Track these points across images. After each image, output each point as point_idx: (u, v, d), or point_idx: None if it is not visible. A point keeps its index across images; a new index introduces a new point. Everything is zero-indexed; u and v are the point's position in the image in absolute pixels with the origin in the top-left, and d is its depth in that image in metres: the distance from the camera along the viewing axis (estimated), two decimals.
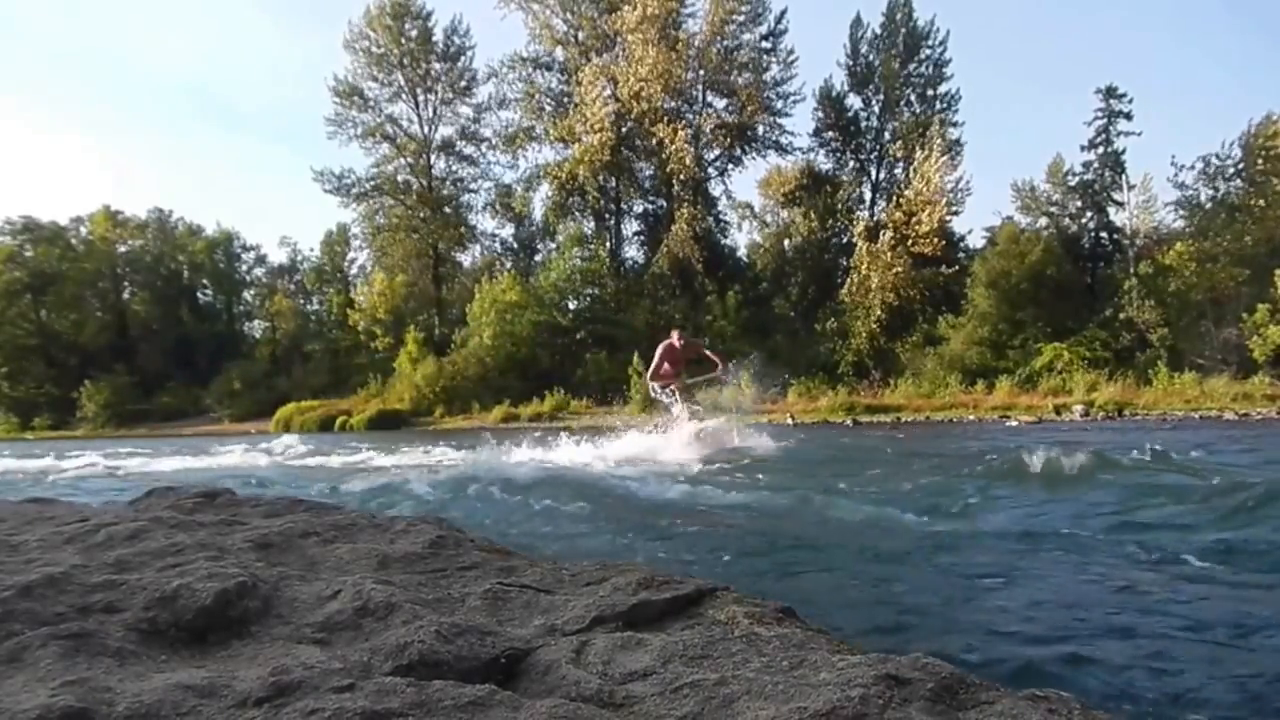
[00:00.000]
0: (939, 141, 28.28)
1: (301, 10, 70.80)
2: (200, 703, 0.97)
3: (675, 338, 9.87)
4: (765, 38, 31.86)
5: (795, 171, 33.73)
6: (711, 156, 33.40)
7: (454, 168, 37.55)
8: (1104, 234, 30.05)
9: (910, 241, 27.50)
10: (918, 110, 31.07)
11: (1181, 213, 27.61)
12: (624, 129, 32.42)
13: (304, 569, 1.74)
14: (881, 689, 0.95)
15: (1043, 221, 30.74)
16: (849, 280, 29.07)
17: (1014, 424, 17.66)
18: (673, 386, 9.58)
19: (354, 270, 44.12)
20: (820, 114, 32.84)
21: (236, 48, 68.97)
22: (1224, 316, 23.54)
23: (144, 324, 43.99)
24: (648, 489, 5.32)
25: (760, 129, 32.70)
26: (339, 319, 39.67)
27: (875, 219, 30.05)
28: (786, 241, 34.61)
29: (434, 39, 35.19)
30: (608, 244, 33.70)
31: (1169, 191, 28.22)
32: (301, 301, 45.49)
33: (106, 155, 70.48)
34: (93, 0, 64.65)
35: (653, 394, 9.91)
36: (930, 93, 31.18)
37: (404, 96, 35.68)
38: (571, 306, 32.30)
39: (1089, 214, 29.92)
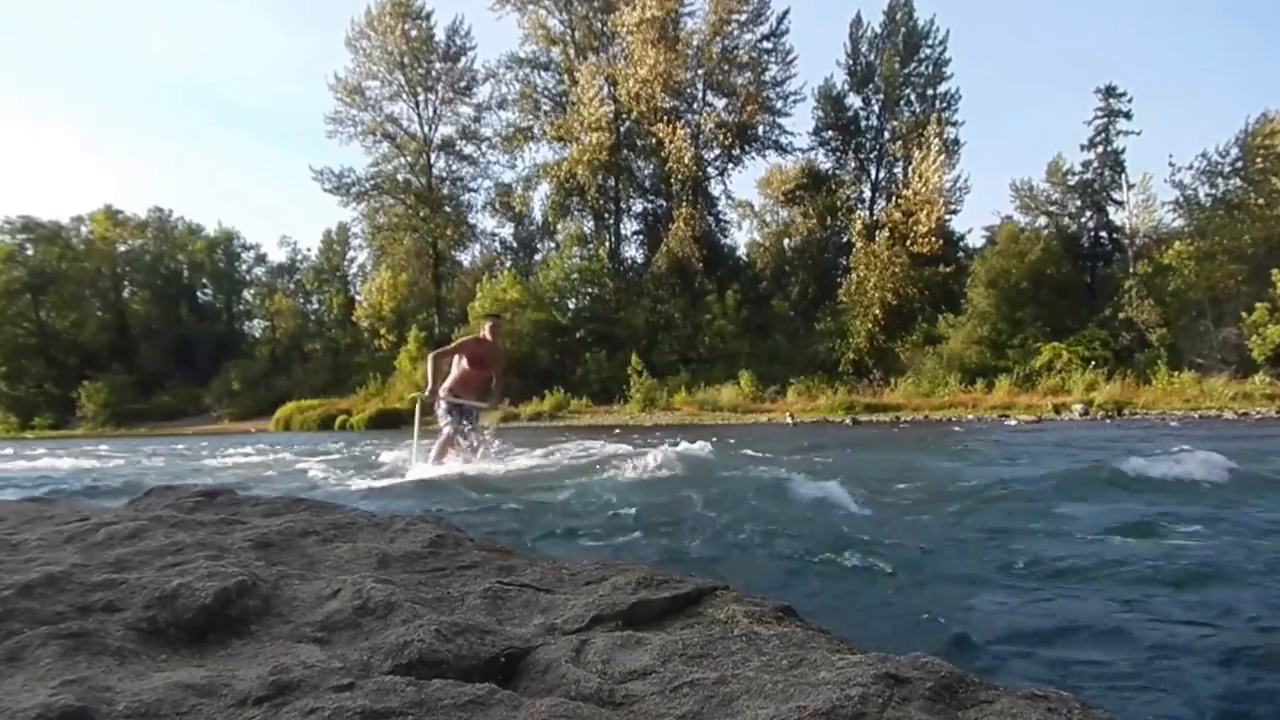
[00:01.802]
0: (936, 141, 28.30)
1: (303, 10, 70.88)
2: (200, 702, 0.97)
3: (488, 330, 7.18)
4: (766, 38, 31.93)
5: (795, 171, 33.79)
6: (711, 156, 33.47)
7: (454, 167, 37.72)
8: (1103, 233, 30.13)
9: (909, 241, 27.53)
10: (917, 110, 31.11)
11: (1180, 212, 27.67)
12: (623, 128, 32.44)
13: (304, 568, 1.74)
14: (881, 688, 0.95)
15: (1042, 221, 30.84)
16: (848, 279, 29.11)
17: (1013, 423, 17.66)
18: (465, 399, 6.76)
19: (353, 270, 44.25)
20: (820, 113, 32.94)
21: (238, 47, 69.10)
22: (1223, 316, 23.56)
23: (144, 323, 44.03)
24: (647, 489, 5.33)
25: (760, 128, 32.79)
26: (339, 318, 39.71)
27: (874, 218, 30.08)
28: (786, 241, 34.66)
29: (435, 39, 35.25)
30: (607, 243, 33.73)
31: (1168, 191, 28.34)
32: (301, 301, 45.55)
33: (107, 154, 70.63)
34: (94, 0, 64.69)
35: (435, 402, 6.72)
36: (930, 92, 31.23)
37: (404, 96, 35.82)
38: (571, 306, 32.34)
39: (1088, 213, 29.99)
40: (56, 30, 63.09)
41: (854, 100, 32.65)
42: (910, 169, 28.68)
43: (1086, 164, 29.40)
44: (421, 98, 35.87)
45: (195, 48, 69.03)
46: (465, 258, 39.44)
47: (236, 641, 1.27)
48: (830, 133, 32.98)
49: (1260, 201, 25.26)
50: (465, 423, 6.69)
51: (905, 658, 1.05)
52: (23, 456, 12.43)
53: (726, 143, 32.58)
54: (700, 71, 32.07)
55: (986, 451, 8.82)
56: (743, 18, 31.27)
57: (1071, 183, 30.02)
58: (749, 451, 8.84)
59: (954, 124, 30.74)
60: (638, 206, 35.16)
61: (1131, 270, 27.08)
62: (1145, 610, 2.32)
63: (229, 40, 69.00)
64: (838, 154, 33.38)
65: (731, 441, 11.27)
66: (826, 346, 28.46)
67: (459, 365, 6.76)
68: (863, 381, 25.39)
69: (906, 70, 30.91)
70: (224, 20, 69.28)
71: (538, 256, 37.10)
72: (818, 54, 71.93)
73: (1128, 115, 28.42)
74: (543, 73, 35.16)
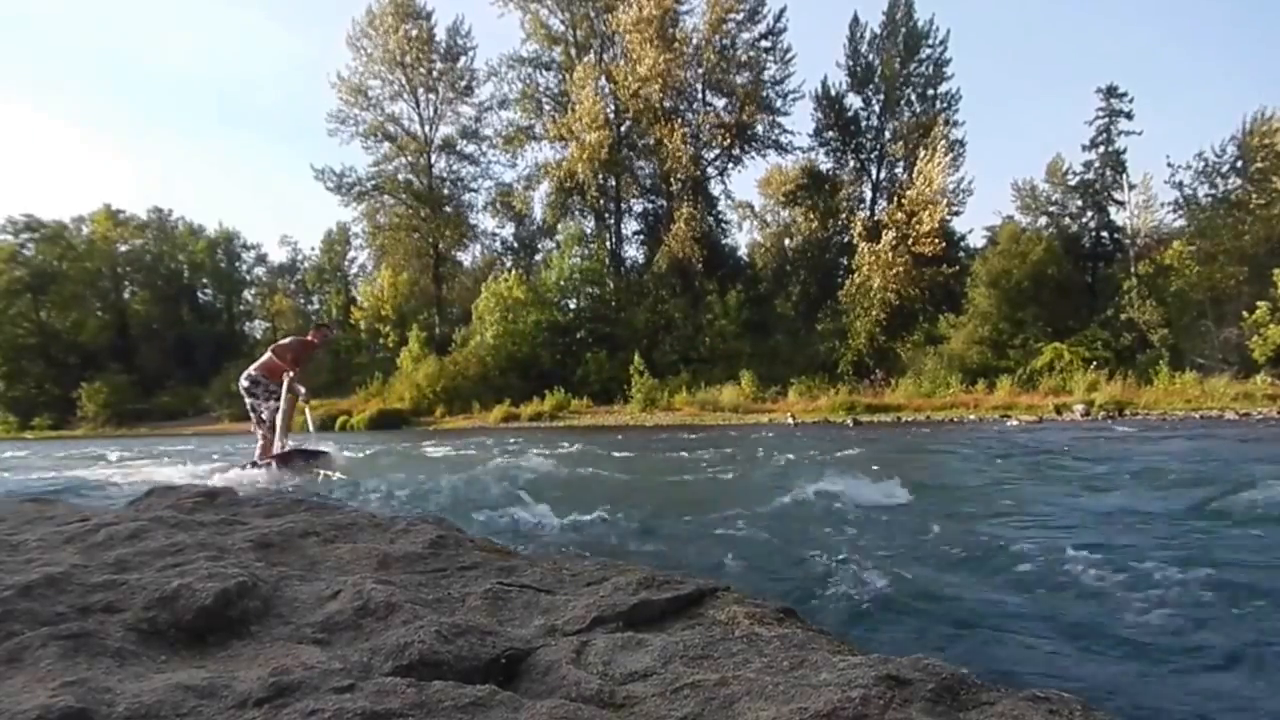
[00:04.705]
0: (942, 142, 28.27)
1: (306, 9, 70.89)
2: (200, 703, 0.97)
3: (314, 335, 7.83)
4: (764, 36, 31.89)
5: (795, 171, 33.79)
6: (711, 156, 33.44)
7: (454, 166, 37.72)
8: (1104, 233, 30.10)
9: (911, 241, 27.52)
10: (918, 110, 31.07)
11: (1180, 212, 27.66)
12: (623, 128, 32.45)
13: (304, 569, 1.74)
14: (882, 689, 0.94)
15: (1043, 221, 30.81)
16: (850, 280, 29.09)
17: (1014, 423, 17.65)
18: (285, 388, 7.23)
19: (354, 270, 44.29)
20: (820, 114, 32.88)
21: (241, 46, 69.08)
22: (1224, 316, 23.53)
23: (144, 323, 44.03)
24: (648, 489, 5.33)
25: (759, 128, 32.74)
26: (339, 318, 39.74)
27: (875, 218, 30.07)
28: (787, 241, 34.66)
29: (436, 39, 35.28)
30: (608, 243, 33.74)
31: (1169, 191, 28.25)
32: (302, 301, 45.58)
33: (109, 153, 70.70)
34: None
35: (252, 388, 7.30)
36: (930, 92, 31.18)
37: (405, 95, 35.82)
38: (571, 306, 32.35)
39: (1089, 213, 29.97)
40: (59, 29, 63.19)
41: (854, 100, 32.63)
42: (915, 170, 28.62)
43: (1087, 164, 29.38)
44: (422, 97, 35.89)
45: (198, 47, 69.05)
46: (466, 257, 39.52)
47: (236, 642, 1.27)
48: (830, 133, 32.93)
49: (1260, 201, 25.23)
50: (272, 402, 7.28)
51: (906, 659, 1.04)
52: (22, 456, 12.44)
53: (726, 142, 32.55)
54: (699, 71, 32.06)
55: (988, 452, 8.81)
56: (740, 16, 31.26)
57: (1072, 183, 30.01)
58: (749, 452, 8.84)
59: (955, 124, 30.76)
60: (638, 206, 35.19)
61: (1133, 270, 27.05)
62: (1148, 611, 2.31)
63: (232, 39, 69.06)
64: (838, 154, 33.34)
65: (729, 447, 11.28)
66: (827, 346, 28.44)
67: (281, 357, 7.37)
68: (864, 382, 25.37)
69: (906, 70, 30.85)
70: (228, 19, 69.40)
71: (538, 256, 37.12)
72: (817, 55, 72.02)
73: (1129, 115, 28.41)
74: (544, 72, 35.22)
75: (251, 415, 7.39)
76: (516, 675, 1.16)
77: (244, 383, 7.35)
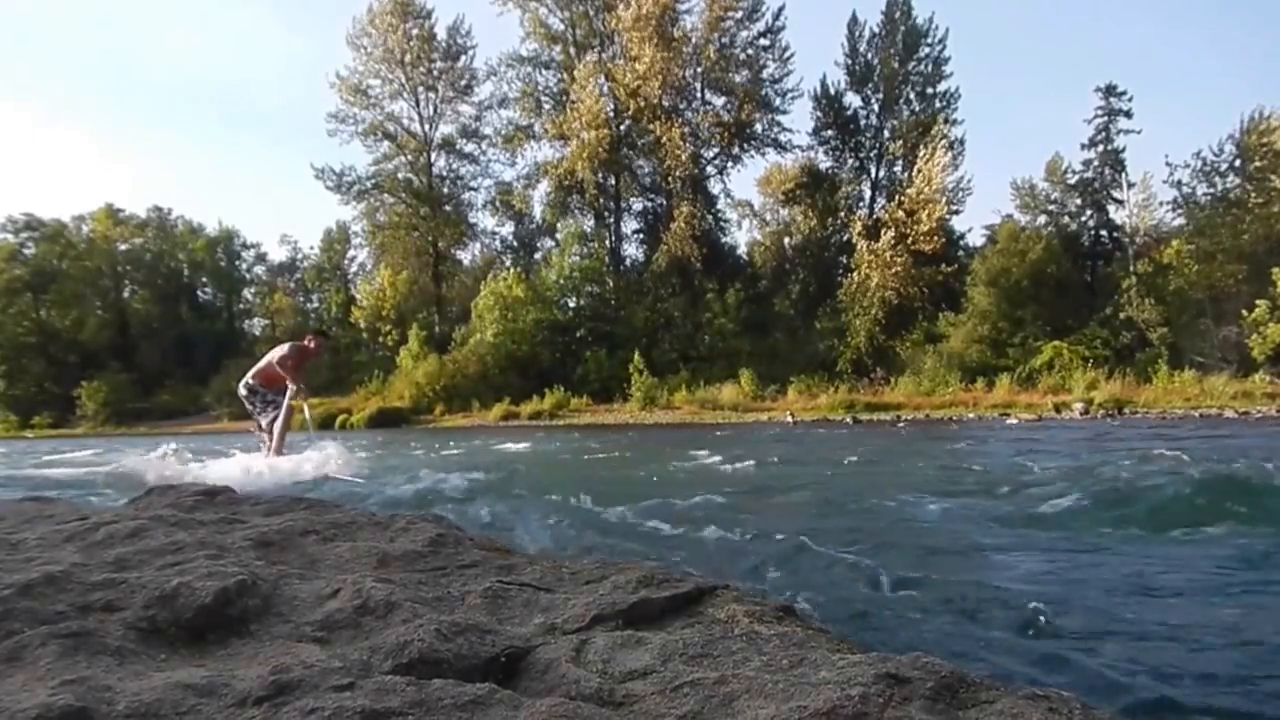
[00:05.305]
0: (942, 140, 28.27)
1: (307, 8, 70.79)
2: (200, 702, 0.97)
3: (312, 341, 7.61)
4: (763, 34, 31.88)
5: (795, 170, 33.79)
6: (710, 154, 33.43)
7: (454, 165, 37.74)
8: (1104, 232, 30.12)
9: (910, 240, 27.52)
10: (917, 109, 31.07)
11: (1179, 210, 27.68)
12: (622, 126, 32.43)
13: (304, 567, 1.74)
14: (881, 688, 0.95)
15: (1042, 220, 30.83)
16: (849, 278, 29.09)
17: (1014, 422, 17.66)
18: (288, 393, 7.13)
19: (354, 268, 44.29)
20: (819, 112, 32.86)
21: (241, 46, 68.99)
22: (1223, 314, 23.55)
23: (144, 322, 44.03)
24: (647, 487, 5.33)
25: (759, 127, 32.73)
26: (339, 317, 39.75)
27: (875, 217, 30.07)
28: (787, 239, 34.66)
29: (436, 38, 35.26)
30: (607, 242, 33.72)
31: (1168, 190, 28.24)
32: (301, 299, 45.58)
33: (109, 153, 70.62)
34: None
35: (254, 394, 7.26)
36: (930, 91, 31.17)
37: (405, 94, 35.82)
38: (571, 304, 32.36)
39: (1089, 212, 29.99)
40: (59, 28, 63.06)
41: (853, 99, 32.62)
42: (914, 169, 28.61)
43: (1087, 163, 29.40)
44: (422, 96, 35.88)
45: (198, 47, 68.94)
46: (465, 256, 39.59)
47: (236, 641, 1.27)
48: (829, 132, 32.90)
49: (1259, 200, 25.24)
50: (270, 411, 7.22)
51: (906, 657, 1.05)
52: (23, 455, 12.43)
53: (725, 141, 32.53)
54: (698, 69, 32.04)
55: (987, 451, 8.82)
56: (739, 15, 31.22)
57: (1071, 182, 30.03)
58: (748, 451, 8.84)
59: (954, 123, 30.75)
60: (637, 205, 35.16)
61: (1132, 269, 27.08)
62: (1148, 609, 2.32)
63: (233, 39, 68.97)
64: (837, 153, 33.31)
65: (728, 446, 11.27)
66: (827, 345, 28.45)
67: (282, 366, 7.25)
68: (863, 380, 25.38)
69: (905, 69, 30.82)
70: (228, 19, 69.30)
71: (538, 255, 37.13)
72: (816, 53, 72.05)
73: (1128, 114, 28.43)
74: (544, 71, 35.19)
75: (251, 417, 7.45)
76: (516, 673, 1.16)
77: (242, 390, 7.38)
